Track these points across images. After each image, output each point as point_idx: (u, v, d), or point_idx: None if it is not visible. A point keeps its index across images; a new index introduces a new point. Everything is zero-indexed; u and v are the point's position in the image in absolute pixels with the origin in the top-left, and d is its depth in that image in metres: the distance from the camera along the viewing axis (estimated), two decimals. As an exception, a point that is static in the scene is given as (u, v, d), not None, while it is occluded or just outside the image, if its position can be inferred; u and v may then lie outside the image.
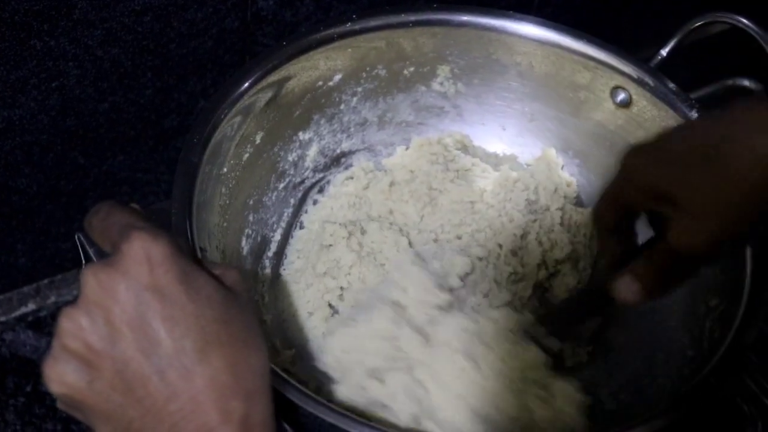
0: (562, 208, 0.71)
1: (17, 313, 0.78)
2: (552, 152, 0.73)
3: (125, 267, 0.39)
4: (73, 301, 0.40)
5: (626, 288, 0.54)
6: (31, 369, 0.75)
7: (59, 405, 0.42)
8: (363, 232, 0.69)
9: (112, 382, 0.39)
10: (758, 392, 0.64)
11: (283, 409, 0.52)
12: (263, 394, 0.41)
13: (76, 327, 0.39)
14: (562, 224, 0.70)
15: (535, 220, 0.70)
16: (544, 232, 0.70)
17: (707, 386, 0.54)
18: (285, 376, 0.51)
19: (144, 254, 0.39)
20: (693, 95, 0.66)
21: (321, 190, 0.74)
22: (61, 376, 0.40)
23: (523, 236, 0.69)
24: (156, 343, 0.39)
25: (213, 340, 0.40)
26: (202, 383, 0.39)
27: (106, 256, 0.42)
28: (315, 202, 0.73)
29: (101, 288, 0.39)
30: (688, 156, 0.48)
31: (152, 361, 0.39)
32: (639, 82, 0.66)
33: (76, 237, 0.65)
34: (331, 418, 0.50)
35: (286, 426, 0.54)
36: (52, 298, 0.79)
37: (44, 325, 0.78)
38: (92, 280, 0.40)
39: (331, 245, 0.68)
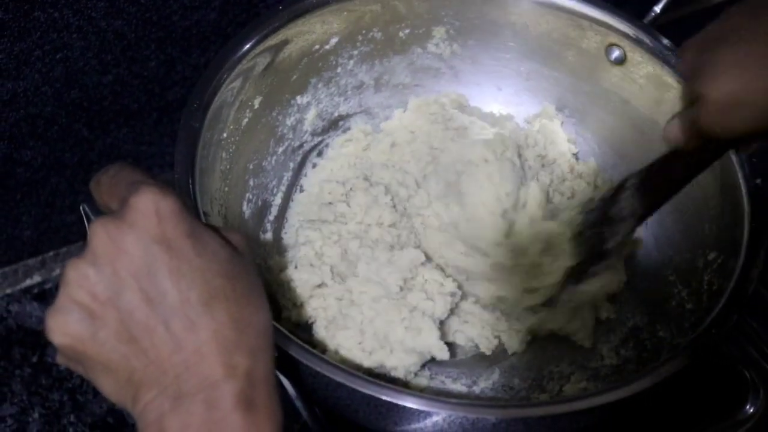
0: (568, 161, 0.73)
1: (23, 285, 0.80)
2: (551, 108, 0.75)
3: (134, 219, 0.41)
4: (80, 253, 0.41)
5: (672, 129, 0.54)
6: (36, 340, 0.77)
7: (59, 359, 0.43)
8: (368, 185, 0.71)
9: (117, 332, 0.40)
10: (760, 359, 0.66)
11: (284, 365, 0.53)
12: (266, 350, 0.42)
13: (82, 277, 0.40)
14: (572, 173, 0.72)
15: (552, 172, 0.72)
16: (560, 182, 0.72)
17: (709, 337, 0.55)
18: (287, 332, 0.52)
19: (153, 207, 0.41)
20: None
21: (320, 154, 0.76)
22: (65, 326, 0.40)
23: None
24: (162, 294, 0.40)
25: (218, 294, 0.41)
26: (206, 336, 0.40)
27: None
28: (314, 166, 0.75)
29: (109, 239, 0.40)
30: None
31: (158, 311, 0.40)
32: (633, 39, 0.67)
33: (80, 208, 0.66)
34: (329, 372, 0.51)
35: (288, 382, 0.56)
36: (58, 271, 0.81)
37: (50, 297, 0.79)
38: (101, 231, 0.40)
39: (330, 203, 0.70)
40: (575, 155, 0.75)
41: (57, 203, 0.79)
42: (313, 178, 0.74)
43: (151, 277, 0.40)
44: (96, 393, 0.75)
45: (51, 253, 0.81)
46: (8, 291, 0.80)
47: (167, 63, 0.75)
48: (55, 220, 0.80)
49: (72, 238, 0.81)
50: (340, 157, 0.74)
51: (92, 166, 0.77)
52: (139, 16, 0.71)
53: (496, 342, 0.67)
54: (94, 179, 0.46)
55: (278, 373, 0.55)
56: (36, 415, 0.73)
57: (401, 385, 0.63)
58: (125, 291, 0.40)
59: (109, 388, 0.42)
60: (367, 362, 0.63)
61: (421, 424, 0.53)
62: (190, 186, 0.58)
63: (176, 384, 0.40)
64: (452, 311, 0.67)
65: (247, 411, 0.40)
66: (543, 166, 0.72)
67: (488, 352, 0.67)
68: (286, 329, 0.64)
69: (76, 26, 0.68)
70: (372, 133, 0.76)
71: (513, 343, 0.67)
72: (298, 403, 0.57)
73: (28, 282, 0.80)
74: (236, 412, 0.40)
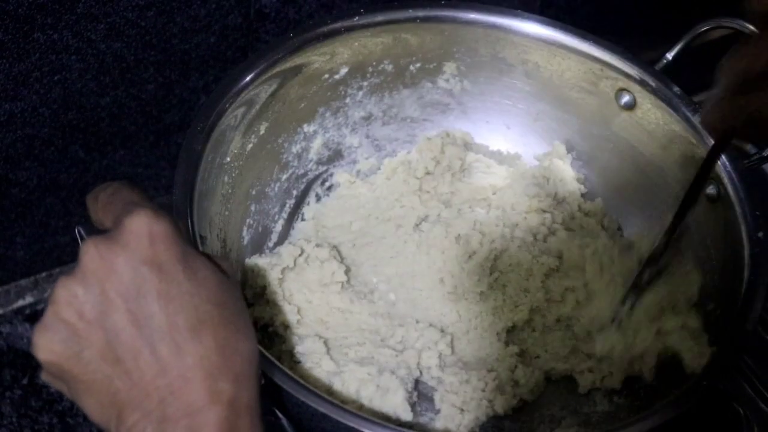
0: (577, 200, 0.76)
1: (15, 305, 0.82)
2: (561, 147, 0.78)
3: (126, 240, 0.43)
4: (70, 271, 0.43)
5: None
6: (27, 362, 0.79)
7: (43, 376, 0.45)
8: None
9: (102, 353, 0.42)
10: (754, 395, 0.69)
11: (272, 393, 0.55)
12: (251, 378, 0.44)
13: (71, 295, 0.42)
14: (580, 211, 0.76)
15: (562, 211, 0.75)
16: (570, 219, 0.75)
17: (699, 388, 0.58)
18: (273, 359, 0.54)
19: (146, 230, 0.43)
20: (696, 99, 0.70)
21: (323, 183, 0.78)
22: (51, 343, 0.42)
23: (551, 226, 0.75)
24: (149, 317, 0.42)
25: (206, 319, 0.43)
26: (192, 361, 0.42)
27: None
28: (317, 195, 0.78)
29: (100, 259, 0.42)
30: None
31: (144, 334, 0.42)
32: (644, 85, 0.70)
33: (75, 230, 0.67)
34: (314, 403, 0.53)
35: (278, 412, 0.58)
36: (50, 292, 0.83)
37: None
38: (92, 250, 0.42)
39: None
40: (583, 195, 0.78)
41: (51, 224, 0.81)
42: (315, 208, 0.77)
43: (140, 299, 0.42)
44: (86, 416, 0.78)
45: (44, 274, 0.84)
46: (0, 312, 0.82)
47: (166, 86, 0.77)
48: (48, 240, 0.82)
49: (66, 259, 0.83)
50: (344, 194, 0.78)
51: (87, 187, 0.77)
52: (139, 39, 0.73)
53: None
54: (92, 193, 0.48)
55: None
56: (25, 438, 0.76)
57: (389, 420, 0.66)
58: (113, 312, 0.42)
59: (91, 408, 0.44)
60: None
61: (406, 460, 0.54)
62: (188, 209, 0.61)
63: (160, 408, 0.42)
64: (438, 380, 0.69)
65: None
66: (555, 203, 0.75)
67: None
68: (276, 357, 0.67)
69: (75, 48, 0.70)
70: (378, 168, 0.79)
71: (500, 408, 0.68)
72: (289, 429, 0.60)
73: (20, 303, 0.82)
74: None
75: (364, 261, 0.74)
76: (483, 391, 0.66)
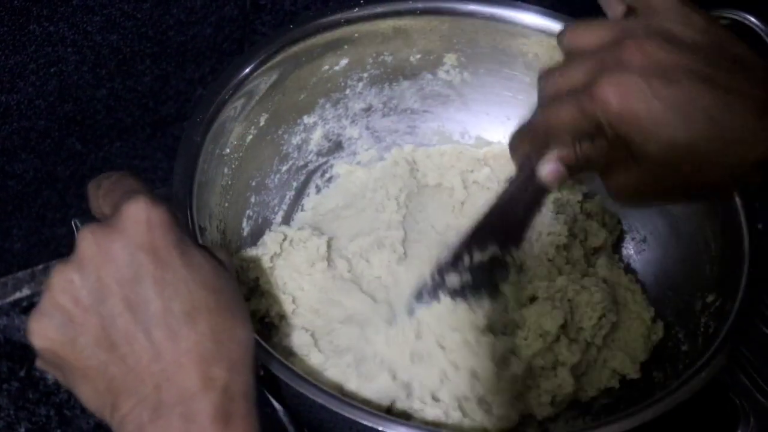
0: (580, 201, 0.77)
1: (12, 298, 0.83)
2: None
3: (123, 226, 0.44)
4: (67, 257, 0.44)
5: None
6: (24, 354, 0.80)
7: (38, 363, 0.46)
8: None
9: (97, 339, 0.43)
10: (751, 387, 0.70)
11: (271, 384, 0.56)
12: (246, 365, 0.45)
13: (67, 282, 0.43)
14: (582, 213, 0.77)
15: (566, 215, 0.76)
16: (572, 223, 0.76)
17: (698, 381, 0.59)
18: (270, 349, 0.55)
19: (144, 216, 0.44)
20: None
21: (323, 174, 0.79)
22: (46, 330, 0.43)
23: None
24: (145, 302, 0.43)
25: (201, 305, 0.44)
26: (186, 346, 0.43)
27: None
28: (318, 188, 0.79)
29: (97, 245, 0.43)
30: None
31: (139, 319, 0.43)
32: (642, 75, 0.71)
33: (72, 222, 0.69)
34: (311, 393, 0.53)
35: (274, 401, 0.59)
36: (47, 278, 0.84)
37: (39, 311, 0.83)
38: (89, 236, 0.43)
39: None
40: (585, 194, 0.78)
41: (48, 216, 0.82)
42: (315, 200, 0.78)
43: (136, 285, 0.43)
44: (83, 408, 0.78)
45: (41, 267, 0.85)
46: (-3, 304, 0.83)
47: (162, 78, 0.78)
48: (45, 233, 0.83)
49: (62, 251, 0.84)
50: (344, 183, 0.78)
51: (84, 179, 0.78)
52: (135, 31, 0.74)
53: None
54: (94, 181, 0.49)
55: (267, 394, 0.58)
56: (23, 430, 0.77)
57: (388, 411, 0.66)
58: (108, 297, 0.43)
59: (87, 395, 0.44)
60: None
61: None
62: (188, 200, 0.61)
63: (156, 394, 0.42)
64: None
65: (225, 425, 0.43)
66: (556, 209, 0.76)
67: None
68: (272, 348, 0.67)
69: (71, 40, 0.71)
70: (377, 157, 0.80)
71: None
72: (285, 419, 0.61)
73: (17, 295, 0.84)
74: (213, 426, 0.42)
75: (344, 231, 0.75)
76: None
